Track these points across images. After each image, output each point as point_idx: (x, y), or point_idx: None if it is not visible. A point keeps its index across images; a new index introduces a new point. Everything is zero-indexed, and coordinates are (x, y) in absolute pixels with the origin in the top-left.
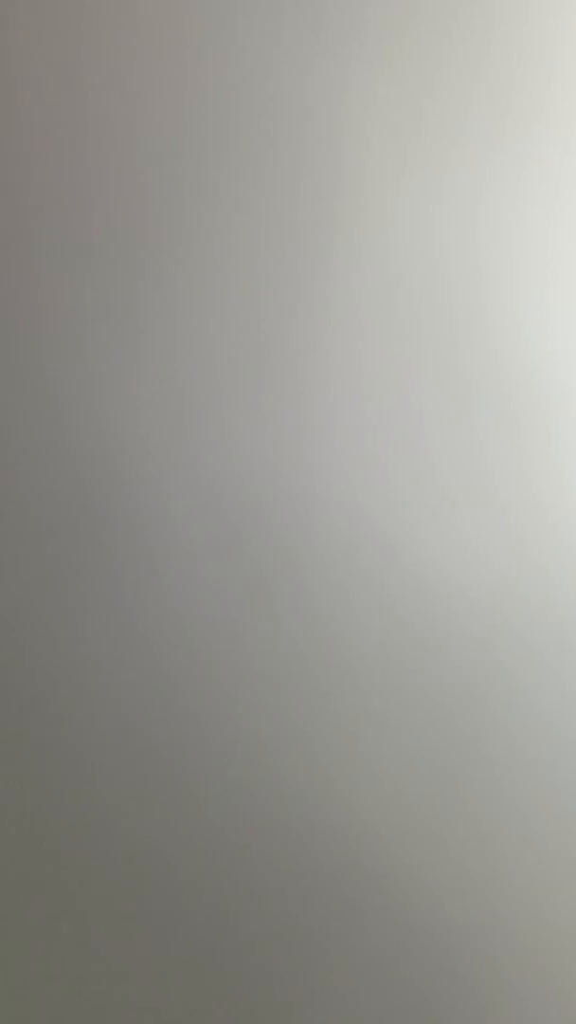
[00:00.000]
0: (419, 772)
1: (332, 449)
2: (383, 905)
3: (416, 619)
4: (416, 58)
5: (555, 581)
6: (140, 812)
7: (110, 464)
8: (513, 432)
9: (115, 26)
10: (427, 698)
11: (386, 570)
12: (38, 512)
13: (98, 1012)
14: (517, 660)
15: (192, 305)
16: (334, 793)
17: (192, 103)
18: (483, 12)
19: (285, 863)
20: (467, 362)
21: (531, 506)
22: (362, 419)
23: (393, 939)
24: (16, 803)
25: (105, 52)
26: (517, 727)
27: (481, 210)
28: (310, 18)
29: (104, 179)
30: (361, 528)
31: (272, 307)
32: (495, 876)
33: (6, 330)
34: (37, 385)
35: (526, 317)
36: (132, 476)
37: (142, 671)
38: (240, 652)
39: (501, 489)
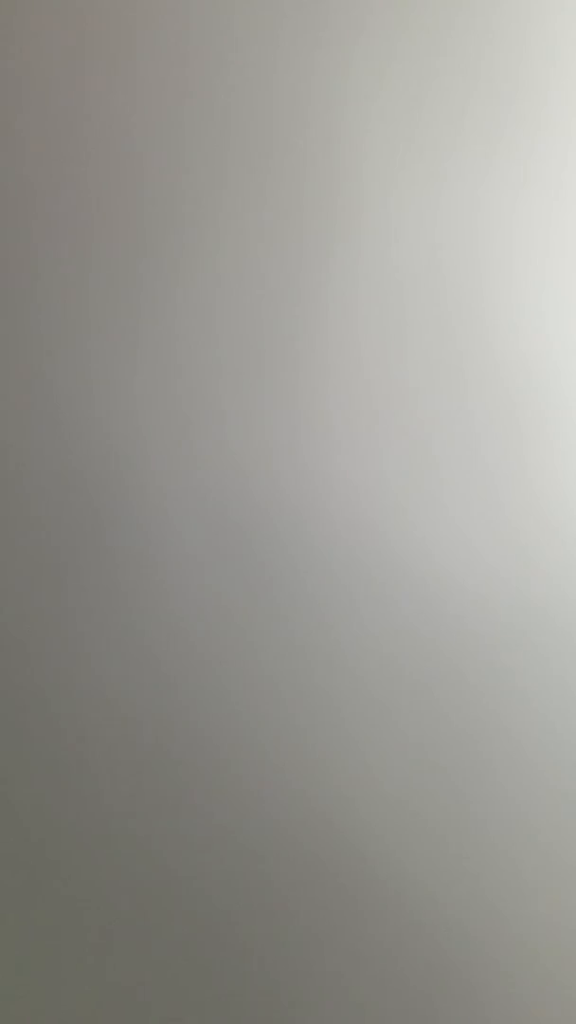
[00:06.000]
0: (419, 771)
1: (333, 449)
2: (382, 903)
3: (416, 618)
4: (416, 60)
5: (554, 580)
6: (140, 811)
7: (110, 464)
8: (513, 432)
9: (115, 31)
10: (427, 697)
11: (386, 569)
12: (38, 512)
13: (97, 1011)
14: (517, 658)
15: (193, 306)
16: (334, 791)
17: (193, 106)
18: (482, 15)
19: (285, 862)
20: (467, 362)
21: (531, 505)
22: (363, 419)
23: (393, 938)
24: (16, 802)
25: (105, 57)
26: (516, 726)
27: (481, 210)
28: (310, 23)
29: (105, 180)
30: (361, 527)
31: (273, 308)
32: (493, 873)
33: (6, 330)
34: (37, 385)
35: (526, 316)
36: (132, 476)
37: (143, 671)
38: (240, 651)
39: (501, 489)
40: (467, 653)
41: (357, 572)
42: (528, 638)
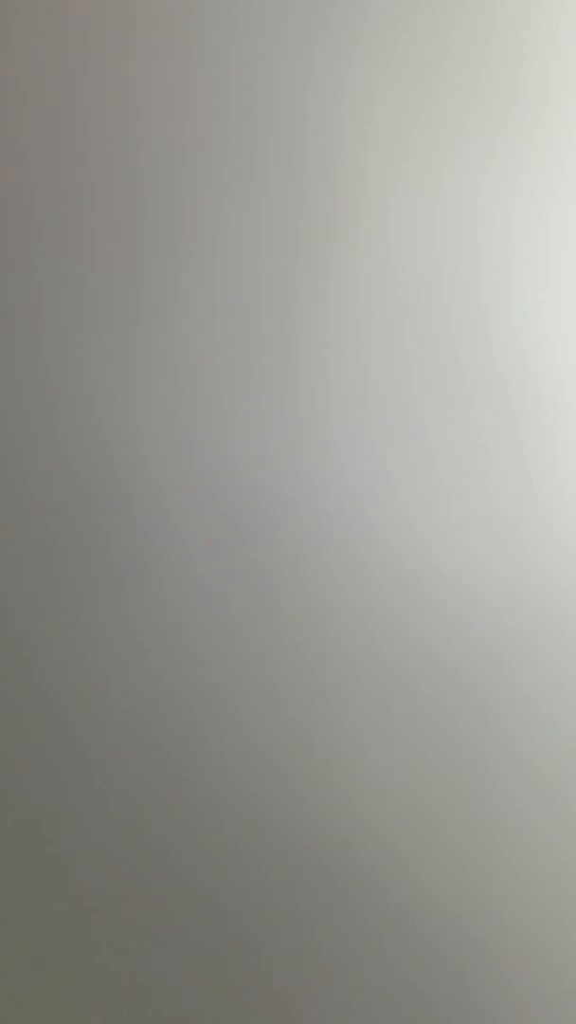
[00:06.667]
0: (419, 771)
1: (332, 449)
2: (383, 905)
3: (414, 617)
4: (416, 59)
5: (553, 579)
6: (141, 812)
7: (110, 465)
8: (512, 431)
9: (115, 31)
10: (427, 696)
11: (385, 568)
12: (38, 512)
13: (98, 1011)
14: (516, 658)
15: (192, 306)
16: (332, 789)
17: (193, 104)
18: (482, 15)
19: (286, 863)
20: (467, 361)
21: (530, 505)
22: (362, 419)
23: (394, 940)
24: (17, 802)
25: (105, 57)
26: (517, 726)
27: (481, 209)
28: (311, 19)
29: (105, 181)
30: (361, 527)
31: (272, 306)
32: (492, 872)
33: (6, 332)
34: (37, 387)
35: (525, 315)
36: (132, 477)
37: (142, 669)
38: (239, 650)
39: (500, 488)
40: (465, 651)
41: (356, 571)
42: (526, 636)
